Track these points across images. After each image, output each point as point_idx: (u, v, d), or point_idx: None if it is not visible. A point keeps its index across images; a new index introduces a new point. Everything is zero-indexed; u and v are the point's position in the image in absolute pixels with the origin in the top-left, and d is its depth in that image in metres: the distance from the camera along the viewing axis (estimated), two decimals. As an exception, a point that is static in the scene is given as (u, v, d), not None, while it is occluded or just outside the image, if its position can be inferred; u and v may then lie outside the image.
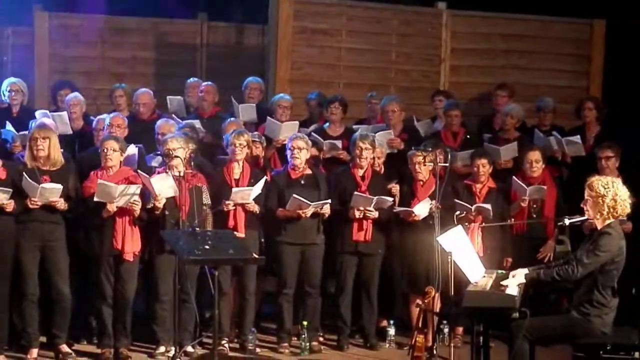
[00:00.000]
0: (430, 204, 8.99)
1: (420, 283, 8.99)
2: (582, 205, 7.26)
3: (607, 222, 7.10)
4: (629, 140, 9.94)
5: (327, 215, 9.10)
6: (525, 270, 7.32)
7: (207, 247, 7.64)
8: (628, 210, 7.15)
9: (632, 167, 9.53)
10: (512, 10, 11.84)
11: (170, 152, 8.58)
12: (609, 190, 7.09)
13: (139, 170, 8.74)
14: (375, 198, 9.05)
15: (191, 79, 10.97)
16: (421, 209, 9.08)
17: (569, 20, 11.90)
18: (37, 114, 9.67)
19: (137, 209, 8.51)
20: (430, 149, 9.07)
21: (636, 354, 7.04)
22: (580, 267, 7.01)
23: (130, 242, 8.60)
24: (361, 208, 9.08)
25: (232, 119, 9.88)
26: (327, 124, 10.24)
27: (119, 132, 9.14)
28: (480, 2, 11.82)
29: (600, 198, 7.09)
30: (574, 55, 11.88)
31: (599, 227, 7.14)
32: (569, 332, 7.14)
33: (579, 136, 10.15)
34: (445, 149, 9.23)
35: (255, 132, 9.68)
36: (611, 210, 7.08)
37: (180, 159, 8.58)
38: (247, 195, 8.86)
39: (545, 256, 9.41)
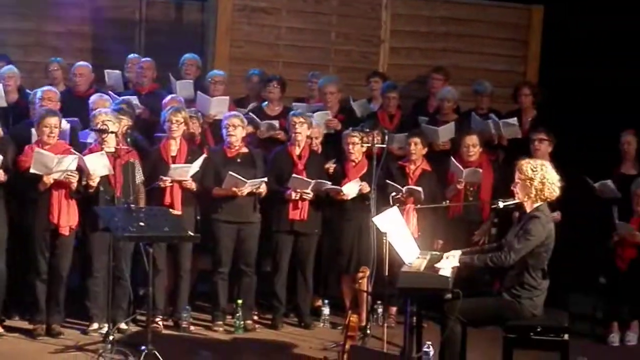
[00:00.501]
0: (360, 184, 9.06)
1: (354, 263, 9.06)
2: (512, 188, 7.34)
3: (536, 205, 7.19)
4: (564, 125, 10.08)
5: (263, 194, 9.10)
6: (459, 253, 7.40)
7: (142, 224, 7.60)
8: (557, 193, 7.23)
9: (565, 151, 9.66)
10: (452, -6, 11.92)
11: (103, 127, 8.49)
12: (537, 173, 7.17)
13: (72, 149, 8.64)
14: (313, 181, 9.07)
15: (132, 54, 10.87)
16: (350, 188, 9.13)
17: (507, 5, 11.97)
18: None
19: (74, 181, 8.44)
20: (367, 130, 9.10)
21: (565, 336, 7.13)
22: (513, 253, 7.08)
23: (67, 216, 8.52)
24: (298, 190, 9.11)
25: (172, 95, 9.82)
26: (266, 102, 10.23)
27: (51, 105, 9.02)
28: (421, -16, 11.86)
29: (528, 181, 7.16)
30: (512, 40, 11.96)
31: (527, 210, 7.22)
32: (500, 313, 7.22)
33: (515, 118, 10.25)
34: (382, 130, 9.31)
35: (192, 109, 9.64)
36: (539, 193, 7.16)
37: (114, 134, 8.51)
38: (185, 172, 8.84)
39: (481, 239, 9.53)
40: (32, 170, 8.33)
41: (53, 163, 8.32)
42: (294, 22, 11.55)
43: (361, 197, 9.13)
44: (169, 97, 9.69)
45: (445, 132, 10.04)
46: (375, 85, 10.81)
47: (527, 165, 7.22)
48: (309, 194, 9.11)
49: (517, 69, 11.89)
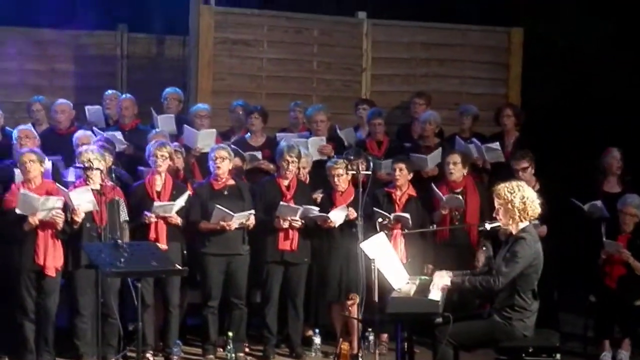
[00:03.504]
0: (347, 211, 9.05)
1: (343, 291, 9.03)
2: (494, 215, 7.34)
3: (522, 225, 7.19)
4: (546, 145, 10.12)
5: (252, 226, 9.07)
6: (449, 273, 7.40)
7: (129, 259, 7.56)
8: (539, 210, 7.25)
9: (549, 171, 9.69)
10: (431, 20, 11.95)
11: (89, 165, 8.49)
12: (516, 194, 7.17)
13: (57, 184, 8.64)
14: (301, 208, 9.05)
15: (109, 90, 10.87)
16: (337, 215, 9.11)
17: (487, 29, 12.03)
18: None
19: (60, 222, 8.41)
20: (351, 157, 9.11)
21: (557, 356, 7.12)
22: (501, 277, 7.07)
23: (53, 257, 8.51)
24: (287, 218, 9.09)
25: (156, 130, 9.82)
26: (249, 134, 10.23)
27: (29, 143, 9.06)
28: (400, 11, 11.91)
29: (509, 203, 7.17)
30: (493, 63, 12.00)
31: (514, 233, 7.22)
32: (492, 336, 7.22)
33: (498, 143, 10.28)
34: (367, 157, 9.32)
35: (176, 143, 9.62)
36: (522, 213, 7.17)
37: (99, 171, 8.49)
38: (169, 209, 8.81)
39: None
40: (17, 211, 8.33)
41: (38, 203, 8.30)
42: (275, 53, 11.57)
43: (348, 224, 9.11)
44: (153, 131, 9.69)
45: (433, 159, 10.05)
46: (362, 113, 10.82)
47: (503, 189, 7.22)
48: (297, 221, 9.09)
49: (499, 92, 11.93)
